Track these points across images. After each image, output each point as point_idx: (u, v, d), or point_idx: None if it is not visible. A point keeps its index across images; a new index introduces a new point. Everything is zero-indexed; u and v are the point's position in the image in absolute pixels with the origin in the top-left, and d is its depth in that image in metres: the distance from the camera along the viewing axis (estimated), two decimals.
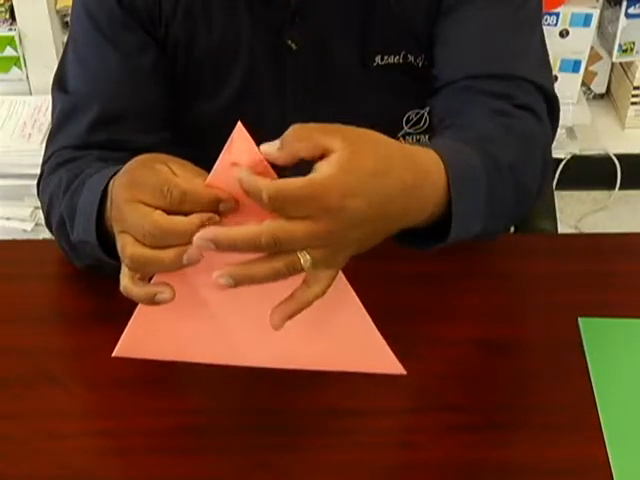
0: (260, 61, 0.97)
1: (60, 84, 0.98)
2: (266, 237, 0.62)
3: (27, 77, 2.06)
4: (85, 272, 0.91)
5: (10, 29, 1.99)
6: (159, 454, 0.76)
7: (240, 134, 0.63)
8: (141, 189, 0.66)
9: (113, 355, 0.72)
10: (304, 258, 0.64)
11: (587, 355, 0.83)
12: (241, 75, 0.97)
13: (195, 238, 0.63)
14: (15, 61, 2.02)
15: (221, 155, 0.64)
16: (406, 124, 1.02)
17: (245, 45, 0.96)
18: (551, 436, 0.77)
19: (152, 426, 0.78)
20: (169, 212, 0.65)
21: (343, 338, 0.72)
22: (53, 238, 0.92)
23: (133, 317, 0.71)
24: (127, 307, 0.86)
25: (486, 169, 0.79)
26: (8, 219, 1.97)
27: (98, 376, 0.83)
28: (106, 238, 0.77)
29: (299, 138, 0.64)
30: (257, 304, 0.67)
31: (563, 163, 2.17)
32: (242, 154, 0.64)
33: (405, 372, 0.71)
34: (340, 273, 0.68)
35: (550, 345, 0.84)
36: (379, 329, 0.71)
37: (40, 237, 1.93)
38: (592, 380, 0.81)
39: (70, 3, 2.04)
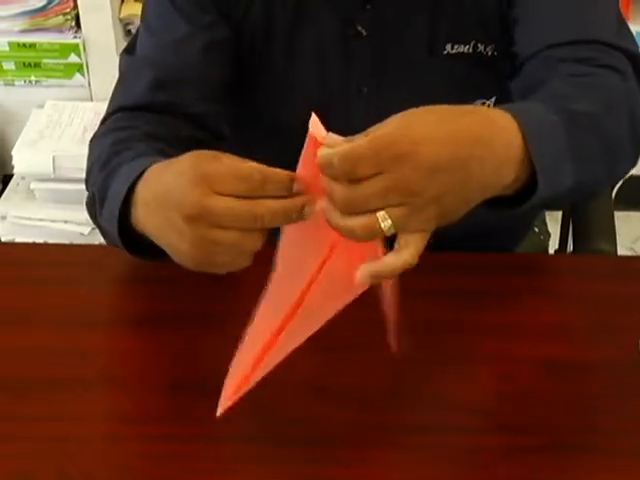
0: (329, 45, 0.98)
1: (128, 48, 1.01)
2: (339, 194, 0.62)
3: (89, 84, 2.09)
4: (141, 277, 0.92)
5: (75, 37, 2.03)
6: (210, 460, 0.76)
7: (315, 124, 0.64)
8: (221, 181, 0.66)
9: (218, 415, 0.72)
10: (382, 217, 0.63)
11: None
12: (310, 58, 0.99)
13: None
14: (78, 68, 2.06)
15: (304, 149, 0.65)
16: None
17: (316, 29, 0.97)
18: (610, 460, 0.76)
19: (204, 432, 0.78)
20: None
21: None
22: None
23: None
24: (184, 311, 0.88)
25: (561, 118, 0.77)
26: (66, 222, 2.00)
27: (154, 380, 0.83)
28: (132, 230, 0.80)
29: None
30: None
31: (619, 184, 2.14)
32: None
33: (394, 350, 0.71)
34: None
35: (610, 367, 0.83)
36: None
37: (96, 242, 1.96)
38: None
39: (133, 12, 2.09)
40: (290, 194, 0.65)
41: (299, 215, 0.66)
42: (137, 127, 0.93)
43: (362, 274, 0.65)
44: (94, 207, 0.88)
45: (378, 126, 0.65)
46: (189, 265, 0.72)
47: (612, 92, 0.87)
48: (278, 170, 0.66)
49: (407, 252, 0.65)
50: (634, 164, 0.90)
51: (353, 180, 0.62)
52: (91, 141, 0.97)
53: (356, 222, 0.63)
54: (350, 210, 0.63)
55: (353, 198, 0.62)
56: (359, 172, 0.62)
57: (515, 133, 0.71)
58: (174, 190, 0.69)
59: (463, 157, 0.66)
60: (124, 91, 0.99)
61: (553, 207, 0.86)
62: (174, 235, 0.70)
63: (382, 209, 0.63)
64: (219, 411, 0.72)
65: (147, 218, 0.76)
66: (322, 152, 0.63)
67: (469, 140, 0.67)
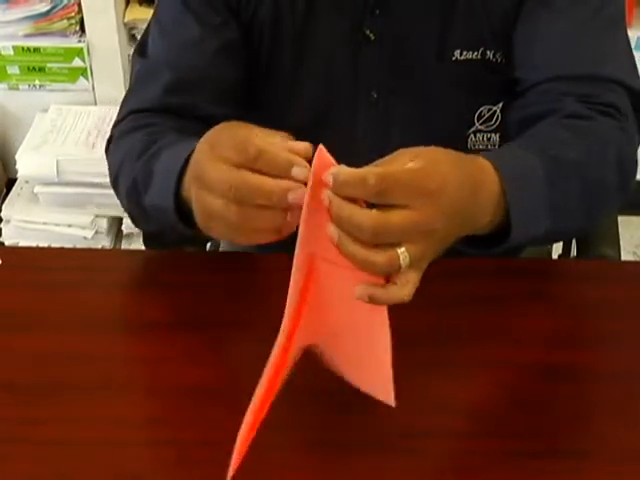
0: (337, 49, 0.98)
1: (140, 50, 1.01)
2: (368, 222, 0.62)
3: (93, 88, 2.10)
4: (144, 281, 0.93)
5: (79, 41, 2.03)
6: (220, 466, 0.76)
7: (321, 155, 0.63)
8: (221, 148, 0.68)
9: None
10: (402, 255, 0.63)
11: None
12: (318, 62, 0.99)
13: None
14: (82, 72, 2.07)
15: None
16: (478, 120, 1.02)
17: (325, 32, 0.97)
18: (611, 467, 0.75)
19: (214, 438, 0.78)
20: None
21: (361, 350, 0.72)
22: (112, 248, 0.93)
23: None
24: (188, 316, 0.88)
25: (544, 167, 0.80)
26: (69, 226, 2.00)
27: (161, 385, 0.83)
28: (182, 206, 0.81)
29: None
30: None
31: None
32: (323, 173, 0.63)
33: (393, 405, 0.70)
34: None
35: (613, 373, 0.83)
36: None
37: (99, 245, 1.97)
38: None
39: (138, 16, 2.10)
40: (285, 176, 0.64)
41: (280, 200, 0.64)
42: (159, 124, 0.95)
43: (361, 292, 0.66)
44: (135, 193, 0.89)
45: (399, 155, 0.66)
46: (199, 224, 0.74)
47: (605, 141, 0.88)
48: (280, 151, 0.65)
49: (407, 289, 0.66)
50: (618, 207, 0.93)
51: (380, 206, 0.63)
52: (108, 146, 0.98)
53: (380, 257, 0.63)
54: (377, 239, 0.63)
55: (386, 227, 0.63)
56: (392, 196, 0.62)
57: (495, 179, 0.74)
58: (196, 153, 0.73)
59: (467, 202, 0.69)
60: (138, 94, 0.99)
61: (532, 245, 0.88)
62: (191, 195, 0.74)
63: (400, 245, 0.64)
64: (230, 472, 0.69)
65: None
66: (348, 170, 0.62)
67: (472, 187, 0.70)
